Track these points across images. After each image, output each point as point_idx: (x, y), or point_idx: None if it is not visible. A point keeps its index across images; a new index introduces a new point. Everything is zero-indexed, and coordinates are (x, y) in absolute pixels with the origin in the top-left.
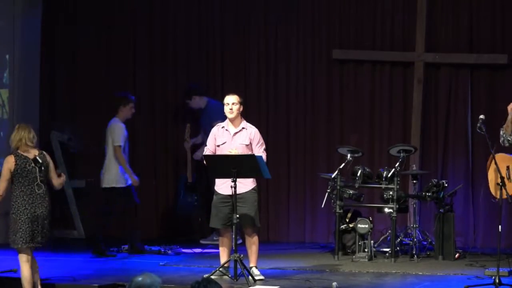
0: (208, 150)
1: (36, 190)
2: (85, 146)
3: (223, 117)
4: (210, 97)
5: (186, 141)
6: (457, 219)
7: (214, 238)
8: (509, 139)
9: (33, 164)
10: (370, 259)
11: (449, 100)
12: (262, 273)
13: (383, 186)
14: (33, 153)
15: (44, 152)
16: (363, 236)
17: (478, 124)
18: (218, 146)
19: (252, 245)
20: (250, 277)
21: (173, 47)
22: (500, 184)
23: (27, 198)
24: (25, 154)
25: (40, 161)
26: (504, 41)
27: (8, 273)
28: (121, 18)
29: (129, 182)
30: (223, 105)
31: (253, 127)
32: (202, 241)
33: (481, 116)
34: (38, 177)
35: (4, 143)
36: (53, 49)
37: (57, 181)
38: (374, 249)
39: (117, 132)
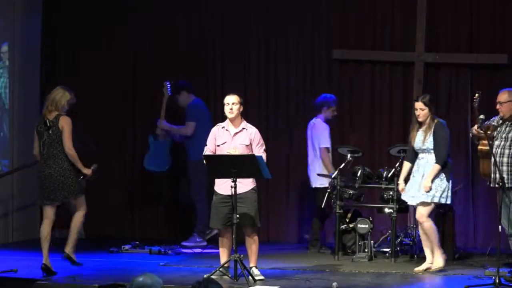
0: (208, 150)
1: (42, 151)
2: (85, 146)
3: (203, 118)
4: (198, 97)
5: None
6: (457, 219)
7: (197, 240)
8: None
9: (43, 126)
10: (370, 259)
11: (449, 100)
12: (262, 273)
13: (383, 186)
14: (51, 116)
15: (63, 118)
16: (363, 236)
17: (478, 124)
18: (218, 146)
19: (252, 245)
20: (250, 277)
21: (173, 47)
22: (500, 184)
23: (40, 157)
24: (46, 116)
25: (49, 124)
26: (504, 41)
27: (8, 273)
28: (121, 18)
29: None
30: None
31: (253, 127)
32: (184, 243)
33: (481, 116)
34: (46, 138)
35: (4, 143)
36: (53, 49)
37: (70, 146)
38: (374, 249)
39: (324, 134)
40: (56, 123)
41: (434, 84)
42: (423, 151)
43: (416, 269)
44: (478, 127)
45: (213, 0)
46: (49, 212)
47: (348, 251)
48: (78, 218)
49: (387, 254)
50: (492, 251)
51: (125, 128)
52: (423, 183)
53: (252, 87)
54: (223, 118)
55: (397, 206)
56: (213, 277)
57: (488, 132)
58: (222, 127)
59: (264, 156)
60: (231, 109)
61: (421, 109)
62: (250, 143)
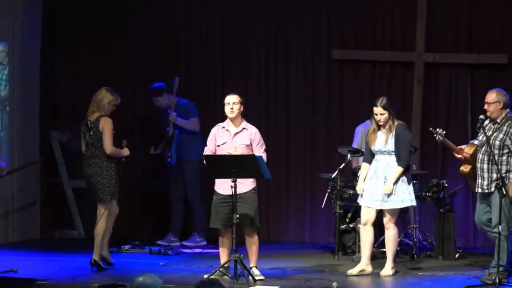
0: (208, 150)
1: (86, 151)
2: None
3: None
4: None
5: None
6: (457, 219)
7: (172, 239)
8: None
9: (85, 127)
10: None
11: (449, 100)
12: (262, 273)
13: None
14: (93, 117)
15: (103, 119)
16: None
17: (478, 124)
18: (218, 146)
19: (252, 245)
20: (250, 277)
21: (173, 47)
22: (500, 184)
23: (84, 157)
24: (88, 117)
25: (90, 125)
26: (504, 41)
27: (8, 273)
28: (121, 18)
29: None
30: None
31: (254, 127)
32: (184, 243)
33: (481, 116)
34: (88, 139)
35: (5, 143)
36: (53, 49)
37: (109, 149)
38: (374, 249)
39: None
40: (97, 124)
41: (434, 84)
42: (383, 153)
43: (350, 271)
44: (478, 127)
45: (213, 0)
46: (99, 210)
47: (348, 251)
48: (105, 221)
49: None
50: (492, 251)
51: (125, 128)
52: (386, 187)
53: (252, 87)
54: (223, 118)
55: None
56: (213, 277)
57: (470, 153)
58: (222, 127)
59: (264, 156)
60: (232, 108)
61: (381, 114)
62: (251, 143)
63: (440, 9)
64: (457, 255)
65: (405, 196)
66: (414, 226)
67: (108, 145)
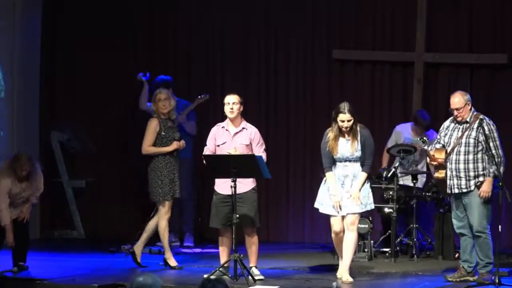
0: (208, 150)
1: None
2: (85, 146)
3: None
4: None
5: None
6: None
7: (173, 240)
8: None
9: None
10: (370, 259)
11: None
12: (262, 273)
13: (383, 186)
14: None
15: (150, 119)
16: (363, 236)
17: (477, 125)
18: (218, 146)
19: (252, 245)
20: (250, 277)
21: (173, 47)
22: (500, 184)
23: None
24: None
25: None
26: (504, 41)
27: (8, 273)
28: (121, 18)
29: None
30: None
31: (253, 127)
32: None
33: (481, 116)
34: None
35: (4, 143)
36: (53, 49)
37: (143, 149)
38: (374, 249)
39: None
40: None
41: (434, 84)
42: (350, 160)
43: (342, 277)
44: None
45: (213, 0)
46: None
47: None
48: (154, 225)
49: (387, 254)
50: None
51: (125, 128)
52: (354, 194)
53: (252, 87)
54: (223, 118)
55: (397, 206)
56: (212, 277)
57: (443, 157)
58: (222, 127)
59: (264, 155)
60: (232, 108)
61: (348, 121)
62: (250, 143)
63: (440, 9)
64: (457, 255)
65: (369, 200)
66: (414, 226)
67: (143, 145)
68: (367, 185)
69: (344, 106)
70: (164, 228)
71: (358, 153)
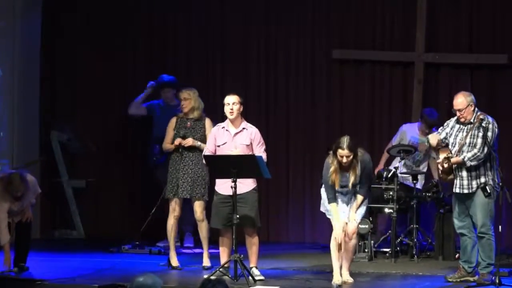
0: (208, 150)
1: None
2: (85, 146)
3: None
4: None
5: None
6: None
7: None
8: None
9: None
10: (370, 259)
11: (449, 100)
12: (262, 273)
13: (383, 186)
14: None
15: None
16: (363, 236)
17: (477, 124)
18: (219, 146)
19: (252, 245)
20: (250, 278)
21: (173, 47)
22: (501, 184)
23: None
24: None
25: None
26: (504, 41)
27: (8, 273)
28: (121, 18)
29: None
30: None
31: (253, 127)
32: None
33: (481, 117)
34: None
35: (4, 143)
36: (53, 49)
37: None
38: (374, 249)
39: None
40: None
41: (434, 84)
42: (351, 191)
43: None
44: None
45: (213, 0)
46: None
47: None
48: (171, 219)
49: (387, 254)
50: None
51: (125, 128)
52: (350, 216)
53: (252, 87)
54: (223, 118)
55: (397, 206)
56: (212, 277)
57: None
58: (222, 127)
59: (264, 155)
60: (232, 109)
61: (347, 156)
62: (251, 143)
63: (440, 9)
64: (457, 255)
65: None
66: (416, 226)
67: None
68: (365, 207)
69: (344, 141)
70: (171, 226)
71: (358, 181)
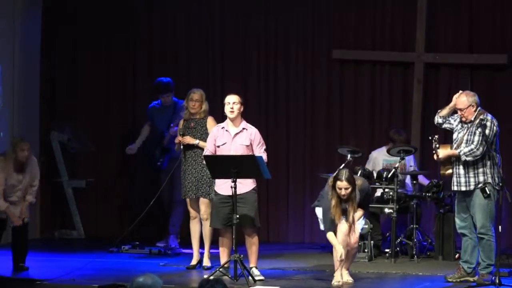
0: (207, 150)
1: None
2: (85, 146)
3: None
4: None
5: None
6: None
7: (174, 240)
8: (440, 121)
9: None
10: (370, 259)
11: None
12: (262, 274)
13: (383, 186)
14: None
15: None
16: (363, 236)
17: (477, 122)
18: (218, 146)
19: (252, 245)
20: (250, 278)
21: (173, 47)
22: (501, 184)
23: None
24: None
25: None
26: (504, 41)
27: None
28: (121, 18)
29: None
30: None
31: (253, 127)
32: (158, 244)
33: (481, 116)
34: None
35: (4, 143)
36: (53, 49)
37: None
38: (378, 251)
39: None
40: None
41: (434, 84)
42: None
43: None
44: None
45: (213, 0)
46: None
47: None
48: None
49: (387, 255)
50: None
51: (125, 128)
52: (353, 228)
53: (252, 87)
54: (223, 118)
55: (397, 207)
56: (212, 277)
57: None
58: (222, 128)
59: (264, 156)
60: (232, 108)
61: (345, 188)
62: (251, 143)
63: (440, 9)
64: (457, 255)
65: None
66: (414, 226)
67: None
68: (365, 219)
69: (343, 174)
70: (193, 227)
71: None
